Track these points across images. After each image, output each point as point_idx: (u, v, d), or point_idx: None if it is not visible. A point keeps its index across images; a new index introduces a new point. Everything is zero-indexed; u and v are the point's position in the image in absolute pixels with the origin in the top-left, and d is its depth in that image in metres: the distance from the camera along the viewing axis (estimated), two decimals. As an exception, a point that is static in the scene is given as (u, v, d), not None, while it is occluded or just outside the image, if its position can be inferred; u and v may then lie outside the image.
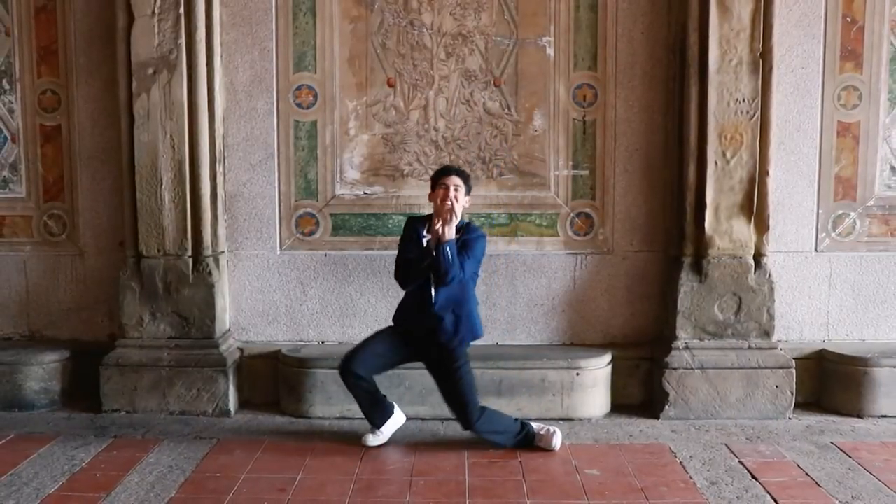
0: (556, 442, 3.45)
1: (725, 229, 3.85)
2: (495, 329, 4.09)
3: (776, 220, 3.95)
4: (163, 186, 3.91)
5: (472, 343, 3.46)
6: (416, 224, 3.45)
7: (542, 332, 4.16)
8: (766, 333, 3.91)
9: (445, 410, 3.83)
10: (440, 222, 3.28)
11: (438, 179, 3.40)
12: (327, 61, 4.07)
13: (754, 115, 3.79)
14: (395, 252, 4.12)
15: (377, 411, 3.54)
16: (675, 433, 3.69)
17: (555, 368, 3.84)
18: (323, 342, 4.20)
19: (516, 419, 3.51)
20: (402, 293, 3.49)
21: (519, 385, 3.82)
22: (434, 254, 3.27)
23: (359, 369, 3.43)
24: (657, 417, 3.88)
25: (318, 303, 4.19)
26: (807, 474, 3.19)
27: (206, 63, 3.93)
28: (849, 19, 3.97)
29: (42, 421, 3.87)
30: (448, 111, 4.09)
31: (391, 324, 3.54)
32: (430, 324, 3.35)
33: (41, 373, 4.03)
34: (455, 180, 3.37)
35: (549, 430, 3.49)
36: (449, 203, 3.29)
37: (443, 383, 3.46)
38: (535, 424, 3.52)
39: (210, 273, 3.98)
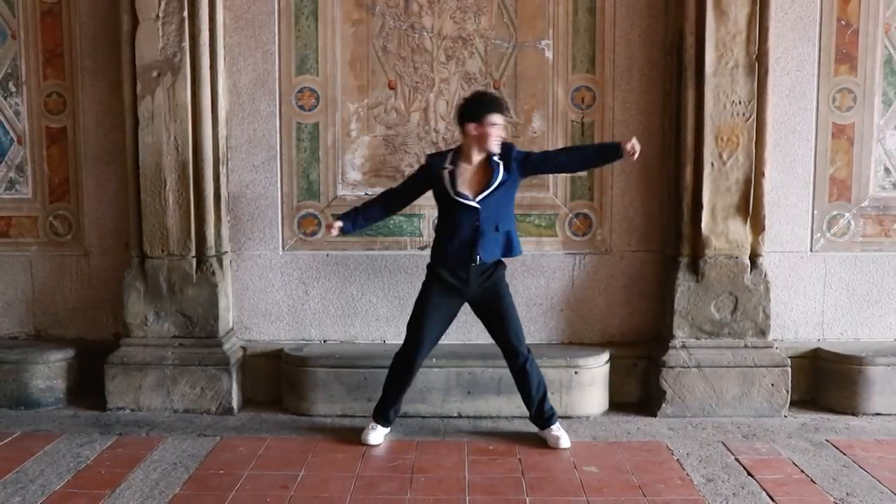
0: (563, 444, 3.48)
1: (722, 230, 3.89)
2: (495, 328, 4.14)
3: (772, 221, 3.99)
4: (167, 187, 3.95)
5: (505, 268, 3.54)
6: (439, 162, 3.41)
7: (541, 332, 4.20)
8: (762, 332, 3.94)
9: (445, 408, 3.89)
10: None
11: (487, 115, 3.29)
12: (329, 64, 4.11)
13: (750, 117, 3.83)
14: (396, 252, 4.17)
15: (395, 409, 3.60)
16: (673, 431, 3.72)
17: (553, 367, 3.87)
18: (325, 341, 4.24)
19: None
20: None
21: (518, 383, 3.85)
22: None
23: (419, 361, 3.52)
24: (654, 415, 3.92)
25: (320, 302, 4.23)
26: (802, 471, 3.22)
27: (210, 66, 3.96)
28: (843, 23, 4.01)
29: (48, 419, 3.90)
30: (448, 113, 4.12)
31: (428, 279, 3.49)
32: (475, 253, 3.37)
33: (47, 371, 4.06)
34: (502, 120, 3.36)
35: (563, 431, 3.52)
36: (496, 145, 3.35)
37: (492, 321, 3.50)
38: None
39: (213, 273, 4.01)
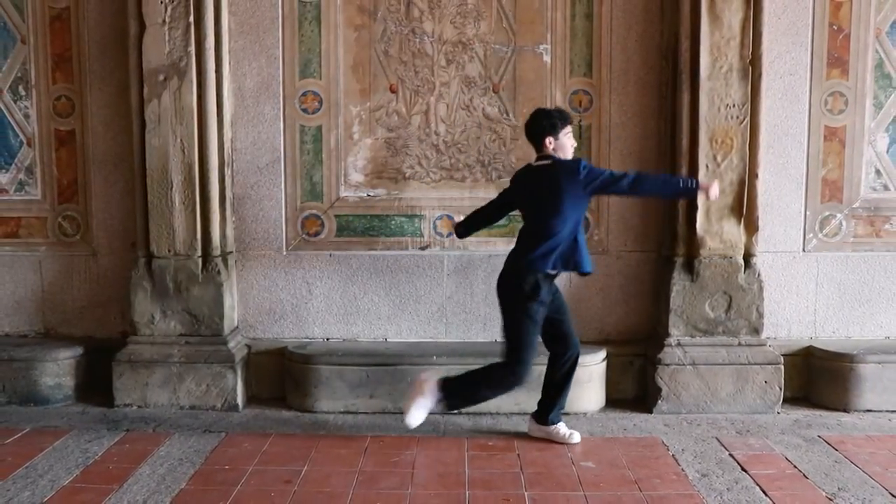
0: (574, 439, 3.53)
1: (716, 230, 3.94)
2: (494, 326, 4.14)
3: (765, 222, 4.03)
4: (173, 189, 4.01)
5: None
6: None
7: (540, 330, 4.26)
8: (756, 331, 4.00)
9: (445, 405, 3.95)
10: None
11: (567, 124, 3.45)
12: (332, 68, 4.17)
13: (744, 120, 3.89)
14: (398, 252, 4.21)
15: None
16: (668, 427, 3.76)
17: (552, 365, 3.93)
18: (328, 339, 4.29)
19: None
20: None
21: (517, 381, 3.91)
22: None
23: None
24: (650, 412, 3.97)
25: (324, 301, 4.29)
26: (795, 467, 3.26)
27: (215, 70, 4.01)
28: (835, 27, 4.07)
29: (57, 415, 3.95)
30: (448, 116, 4.19)
31: (535, 298, 3.36)
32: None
33: (56, 369, 4.11)
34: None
35: (570, 431, 3.57)
36: None
37: (558, 315, 3.53)
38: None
39: (219, 272, 4.07)
